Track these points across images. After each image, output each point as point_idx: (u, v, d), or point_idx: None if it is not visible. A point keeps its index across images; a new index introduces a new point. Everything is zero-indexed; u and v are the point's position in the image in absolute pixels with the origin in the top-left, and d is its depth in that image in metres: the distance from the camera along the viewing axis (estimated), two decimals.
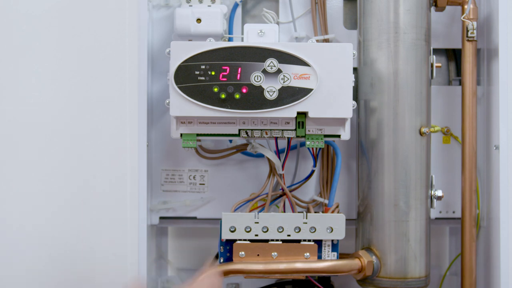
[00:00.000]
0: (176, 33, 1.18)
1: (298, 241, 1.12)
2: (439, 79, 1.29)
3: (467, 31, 1.16)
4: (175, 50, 1.06)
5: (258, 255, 1.11)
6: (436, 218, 1.26)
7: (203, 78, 1.05)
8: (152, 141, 1.24)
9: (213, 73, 1.05)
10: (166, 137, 1.24)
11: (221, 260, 1.13)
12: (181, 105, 1.06)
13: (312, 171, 1.18)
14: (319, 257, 1.13)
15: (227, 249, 1.13)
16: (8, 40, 1.11)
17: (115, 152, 1.12)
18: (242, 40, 1.15)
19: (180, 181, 1.25)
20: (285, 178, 1.16)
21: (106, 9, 1.12)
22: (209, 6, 1.19)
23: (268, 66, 1.06)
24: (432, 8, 1.18)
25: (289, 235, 1.11)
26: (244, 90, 1.06)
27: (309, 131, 1.09)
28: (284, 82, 1.06)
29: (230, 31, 1.23)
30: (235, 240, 1.11)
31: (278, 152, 1.14)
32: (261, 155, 1.21)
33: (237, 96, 1.06)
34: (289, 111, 1.06)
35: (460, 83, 1.20)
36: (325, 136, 1.10)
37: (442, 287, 1.37)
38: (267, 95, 1.06)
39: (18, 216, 1.12)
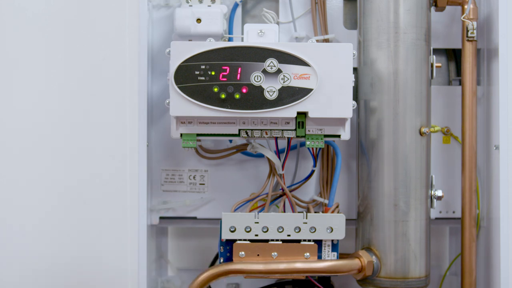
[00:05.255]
0: (176, 33, 1.18)
1: (298, 241, 1.12)
2: (439, 79, 1.29)
3: (467, 31, 1.16)
4: (175, 50, 1.06)
5: (258, 255, 1.11)
6: (436, 218, 1.26)
7: (203, 78, 1.05)
8: (152, 141, 1.24)
9: (213, 73, 1.05)
10: (166, 137, 1.24)
11: (221, 260, 1.13)
12: (181, 105, 1.06)
13: (312, 171, 1.18)
14: (319, 257, 1.13)
15: (227, 249, 1.13)
16: (7, 40, 1.11)
17: (115, 152, 1.12)
18: (242, 40, 1.15)
19: (180, 181, 1.25)
20: (285, 178, 1.16)
21: (106, 10, 1.12)
22: (209, 6, 1.19)
23: (268, 66, 1.06)
24: (432, 8, 1.18)
25: (289, 235, 1.11)
26: (244, 90, 1.06)
27: (309, 131, 1.09)
28: (284, 82, 1.06)
29: (230, 31, 1.23)
30: (235, 240, 1.11)
31: (278, 152, 1.14)
32: (261, 155, 1.21)
33: (237, 96, 1.06)
34: (289, 111, 1.06)
35: (460, 83, 1.20)
36: (325, 136, 1.10)
37: (442, 287, 1.37)
38: (267, 95, 1.06)
39: (18, 215, 1.12)
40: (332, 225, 1.11)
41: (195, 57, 1.05)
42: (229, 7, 1.23)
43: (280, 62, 1.06)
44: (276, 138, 1.11)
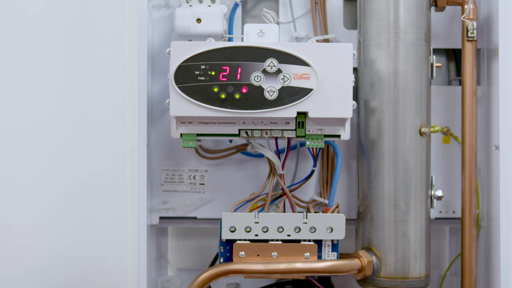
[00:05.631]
0: (176, 33, 1.18)
1: (298, 241, 1.12)
2: (439, 79, 1.29)
3: (467, 31, 1.16)
4: (175, 50, 1.06)
5: (258, 255, 1.11)
6: (436, 218, 1.26)
7: (203, 78, 1.05)
8: (152, 141, 1.24)
9: (213, 73, 1.05)
10: (166, 137, 1.24)
11: (221, 260, 1.13)
12: (181, 105, 1.06)
13: (312, 171, 1.18)
14: (319, 257, 1.13)
15: (227, 249, 1.13)
16: (7, 40, 1.11)
17: (115, 152, 1.12)
18: (242, 40, 1.15)
19: (180, 181, 1.25)
20: (285, 178, 1.16)
21: (106, 10, 1.12)
22: (209, 6, 1.19)
23: (268, 66, 1.06)
24: (432, 8, 1.18)
25: (289, 235, 1.11)
26: (244, 90, 1.06)
27: (309, 131, 1.09)
28: (284, 82, 1.06)
29: (230, 31, 1.23)
30: (235, 240, 1.11)
31: (278, 152, 1.14)
32: (261, 155, 1.21)
33: (237, 96, 1.06)
34: (289, 111, 1.06)
35: (460, 83, 1.20)
36: (325, 136, 1.10)
37: (442, 287, 1.37)
38: (267, 95, 1.06)
39: (18, 215, 1.12)
40: (332, 225, 1.11)
41: (195, 57, 1.05)
42: (229, 7, 1.23)
43: (280, 62, 1.06)
44: (276, 138, 1.11)
